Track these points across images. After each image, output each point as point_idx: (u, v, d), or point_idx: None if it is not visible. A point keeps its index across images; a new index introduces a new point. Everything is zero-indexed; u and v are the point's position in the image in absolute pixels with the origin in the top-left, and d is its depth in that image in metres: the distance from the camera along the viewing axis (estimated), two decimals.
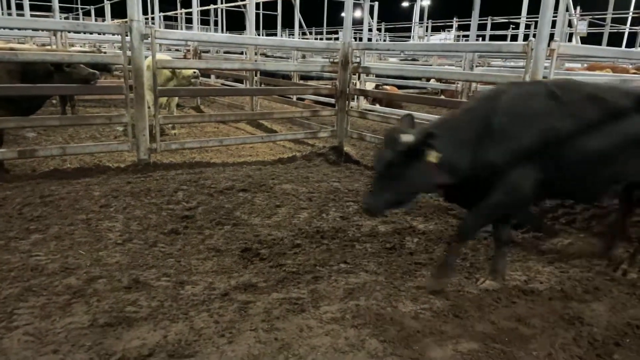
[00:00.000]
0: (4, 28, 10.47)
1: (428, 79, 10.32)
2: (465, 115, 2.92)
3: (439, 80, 9.77)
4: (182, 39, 7.61)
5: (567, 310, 2.74)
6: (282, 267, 3.17)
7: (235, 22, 18.76)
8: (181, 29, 17.17)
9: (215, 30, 16.83)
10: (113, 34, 5.43)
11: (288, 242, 3.57)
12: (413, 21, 19.79)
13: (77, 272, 2.94)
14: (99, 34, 11.39)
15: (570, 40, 11.57)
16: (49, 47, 8.56)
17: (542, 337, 2.49)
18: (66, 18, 15.07)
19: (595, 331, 2.54)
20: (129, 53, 5.00)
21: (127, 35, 5.03)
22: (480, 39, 14.84)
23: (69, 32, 8.61)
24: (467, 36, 15.82)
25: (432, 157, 2.60)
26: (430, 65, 11.22)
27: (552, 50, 4.28)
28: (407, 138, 2.62)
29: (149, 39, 5.08)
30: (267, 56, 13.07)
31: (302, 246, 3.52)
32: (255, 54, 9.27)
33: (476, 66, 8.17)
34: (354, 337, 2.42)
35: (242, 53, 12.39)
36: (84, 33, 9.36)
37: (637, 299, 2.91)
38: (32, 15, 13.08)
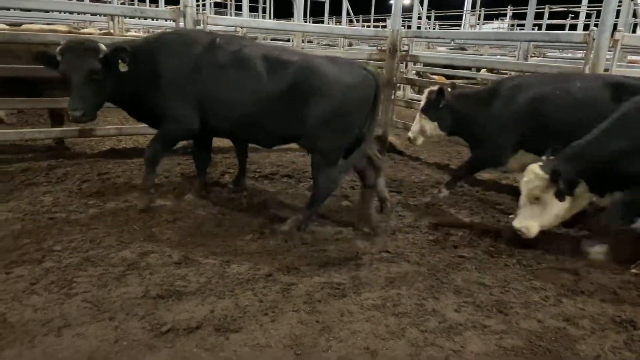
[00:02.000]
0: (64, 12, 10.99)
1: (478, 69, 9.99)
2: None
3: (489, 70, 9.43)
4: (233, 25, 7.73)
5: (619, 313, 2.63)
6: (324, 252, 3.22)
7: (283, 9, 18.83)
8: (230, 15, 17.45)
9: (264, 17, 16.97)
10: (167, 20, 5.60)
11: (330, 229, 3.61)
12: (464, 9, 19.15)
13: (132, 246, 3.10)
14: (153, 19, 11.76)
15: (634, 31, 10.85)
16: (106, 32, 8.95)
17: (591, 338, 2.41)
18: (122, 3, 15.65)
19: None
20: None
21: (181, 21, 5.17)
22: (536, 28, 14.16)
23: (126, 17, 8.94)
24: (522, 25, 15.15)
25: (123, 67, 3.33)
26: (481, 55, 10.84)
27: (616, 41, 4.06)
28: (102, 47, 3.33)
29: (201, 24, 5.21)
30: (312, 44, 13.07)
31: (343, 233, 3.55)
32: (302, 41, 9.29)
33: (531, 56, 7.83)
34: (394, 325, 2.43)
35: (288, 40, 12.45)
36: (140, 18, 9.69)
37: None
38: (91, 0, 13.69)
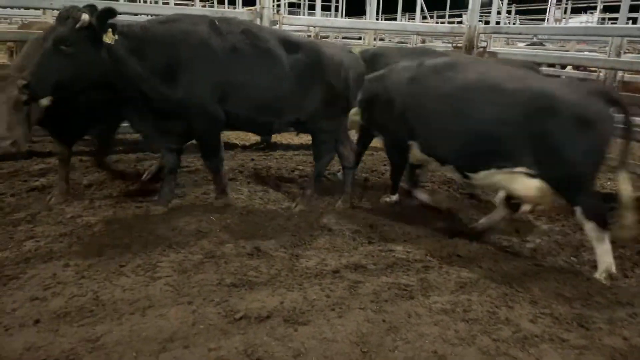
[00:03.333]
0: (144, 14, 11.71)
1: (563, 67, 9.32)
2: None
3: (576, 68, 8.77)
4: (307, 24, 7.88)
5: None
6: (391, 253, 3.20)
7: (356, 6, 18.82)
8: (303, 14, 17.77)
9: (336, 16, 17.09)
10: None
11: (398, 229, 3.57)
12: (549, 2, 17.94)
13: (209, 235, 3.28)
14: None
15: None
16: None
17: None
18: (203, 6, 16.51)
19: None
20: None
21: (258, 22, 5.36)
22: (630, 22, 12.95)
23: None
24: (614, 19, 13.91)
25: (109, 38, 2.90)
26: (567, 51, 10.10)
27: None
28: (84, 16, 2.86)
29: (277, 24, 5.37)
30: (384, 41, 12.94)
31: (411, 234, 3.50)
32: (374, 39, 9.24)
33: (624, 53, 7.17)
34: (464, 331, 2.36)
35: (359, 38, 12.43)
36: None
37: None
38: (175, 4, 14.56)
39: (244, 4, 17.11)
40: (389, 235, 3.46)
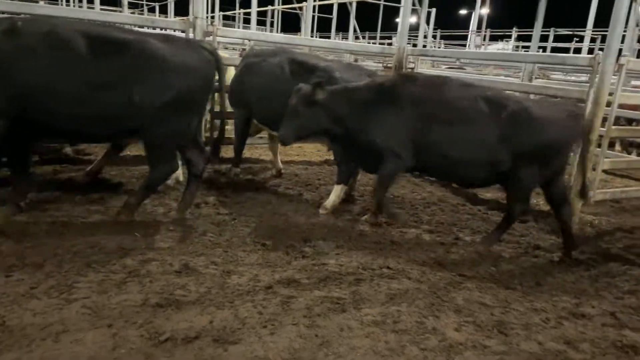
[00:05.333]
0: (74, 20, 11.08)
1: None
2: None
3: None
4: (242, 38, 7.83)
5: (621, 338, 2.60)
6: (325, 266, 3.21)
7: (290, 24, 19.06)
8: (238, 28, 17.66)
9: (272, 31, 17.16)
10: (175, 30, 5.68)
11: (332, 242, 3.60)
12: (470, 29, 19.34)
13: (133, 253, 3.10)
14: (161, 29, 11.89)
15: (639, 56, 10.93)
16: None
17: None
18: (132, 13, 15.87)
19: None
20: None
21: (190, 32, 5.23)
22: (541, 50, 14.29)
23: (137, 26, 9.04)
24: (527, 47, 15.27)
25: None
26: (486, 74, 10.92)
27: (621, 66, 4.08)
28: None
29: (211, 36, 5.27)
30: None
31: (344, 247, 3.55)
32: None
33: (535, 78, 7.89)
34: (394, 342, 2.41)
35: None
36: (150, 28, 9.79)
37: None
38: (101, 9, 13.87)
39: (177, 13, 16.69)
40: (322, 249, 3.47)
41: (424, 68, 9.31)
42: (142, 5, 20.96)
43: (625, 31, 6.68)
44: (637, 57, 10.33)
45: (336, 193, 4.29)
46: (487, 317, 2.72)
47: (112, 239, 3.24)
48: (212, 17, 15.83)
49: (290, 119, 3.81)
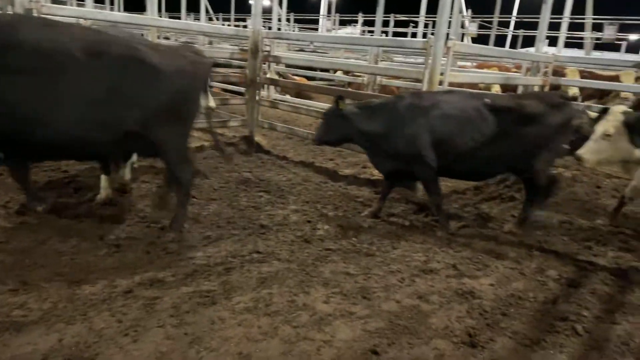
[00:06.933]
0: None
1: (335, 71, 10.55)
2: None
3: (346, 72, 10.03)
4: (75, 16, 6.90)
5: (461, 286, 3.01)
6: (191, 260, 3.07)
7: (135, 2, 17.49)
8: (71, 4, 15.59)
9: (112, 9, 15.53)
10: None
11: (197, 234, 3.46)
12: (321, 14, 20.05)
13: None
14: None
15: (462, 40, 12.54)
16: None
17: (440, 311, 2.71)
18: None
19: (485, 303, 2.83)
20: None
21: (9, 9, 4.44)
22: (384, 34, 15.50)
23: None
24: (372, 32, 16.43)
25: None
26: (338, 58, 11.47)
27: (449, 48, 4.61)
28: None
29: (34, 13, 4.53)
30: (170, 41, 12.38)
31: (211, 237, 3.44)
32: (158, 37, 8.72)
33: (380, 61, 8.52)
34: (267, 325, 2.43)
35: (141, 35, 11.59)
36: None
37: (519, 274, 3.28)
38: None
39: None
40: (188, 242, 3.31)
41: (280, 51, 9.40)
42: None
43: (450, 17, 7.56)
44: (462, 41, 11.84)
45: None
46: (352, 286, 2.90)
47: None
48: None
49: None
